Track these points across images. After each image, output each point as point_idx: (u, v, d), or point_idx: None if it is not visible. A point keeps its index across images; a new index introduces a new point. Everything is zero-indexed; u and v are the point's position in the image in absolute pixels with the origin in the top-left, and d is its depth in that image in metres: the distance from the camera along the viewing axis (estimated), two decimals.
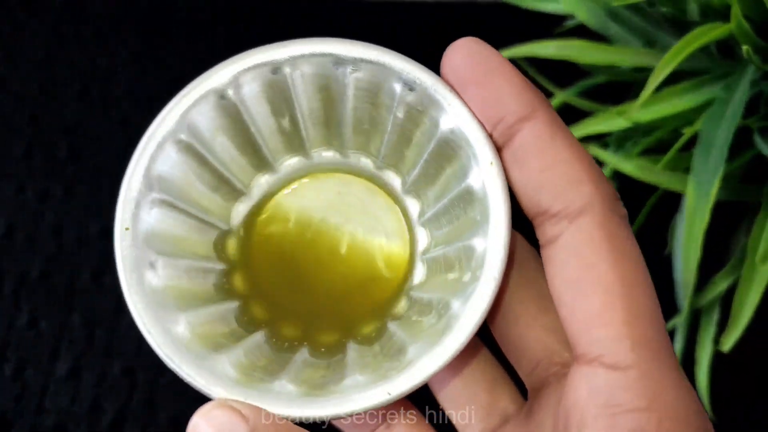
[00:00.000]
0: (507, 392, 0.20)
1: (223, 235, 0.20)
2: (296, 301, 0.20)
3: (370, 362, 0.18)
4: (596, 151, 0.32)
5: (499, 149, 0.17)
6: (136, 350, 0.35)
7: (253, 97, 0.19)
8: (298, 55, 0.19)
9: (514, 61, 0.43)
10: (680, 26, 0.35)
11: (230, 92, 0.19)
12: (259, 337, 0.19)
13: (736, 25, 0.29)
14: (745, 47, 0.29)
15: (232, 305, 0.20)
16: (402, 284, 0.20)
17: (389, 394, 0.16)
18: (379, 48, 0.19)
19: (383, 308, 0.20)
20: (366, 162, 0.21)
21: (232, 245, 0.20)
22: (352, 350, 0.19)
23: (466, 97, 0.17)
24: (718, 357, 0.36)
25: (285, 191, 0.21)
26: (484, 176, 0.17)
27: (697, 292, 0.34)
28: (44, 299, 0.36)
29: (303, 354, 0.19)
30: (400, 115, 0.19)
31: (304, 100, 0.19)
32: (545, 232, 0.17)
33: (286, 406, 0.16)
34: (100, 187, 0.39)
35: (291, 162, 0.21)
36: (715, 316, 0.33)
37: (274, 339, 0.19)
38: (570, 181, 0.16)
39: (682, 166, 0.33)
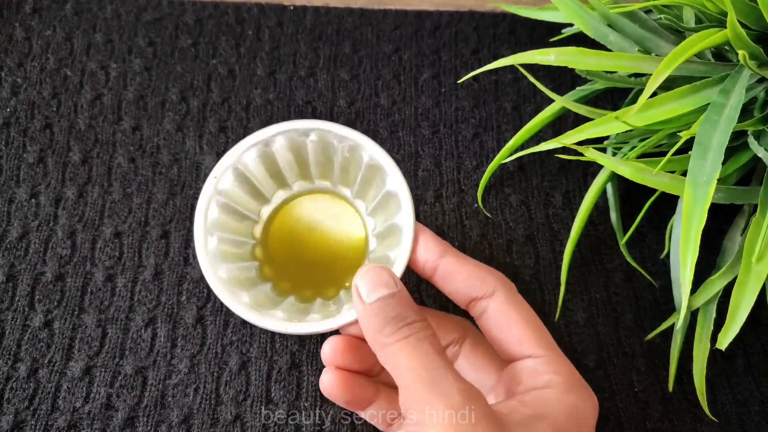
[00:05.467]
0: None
1: (254, 223, 0.33)
2: (290, 268, 0.33)
3: (324, 310, 0.30)
4: (594, 154, 0.33)
5: (431, 275, 0.30)
6: (147, 350, 0.36)
7: (282, 147, 0.33)
8: (312, 127, 0.32)
9: (514, 68, 0.44)
10: (676, 33, 0.36)
11: (269, 144, 0.32)
12: (267, 287, 0.32)
13: (732, 31, 0.29)
14: (741, 52, 0.29)
15: (254, 264, 0.32)
16: (356, 265, 0.32)
17: (327, 326, 0.28)
18: (359, 133, 0.32)
19: (341, 279, 0.32)
20: (346, 191, 0.34)
21: (257, 230, 0.33)
22: (318, 303, 0.31)
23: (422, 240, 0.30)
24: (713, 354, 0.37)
25: (292, 202, 0.34)
26: (396, 183, 0.31)
27: (694, 292, 0.34)
28: (58, 301, 0.37)
29: (290, 300, 0.31)
30: (365, 169, 0.32)
31: (311, 151, 0.33)
32: (477, 309, 0.30)
33: (276, 325, 0.29)
34: (113, 191, 0.40)
35: (300, 183, 0.34)
36: (712, 315, 0.34)
37: (276, 289, 0.32)
38: (481, 279, 0.29)
39: (679, 168, 0.34)
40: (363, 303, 0.27)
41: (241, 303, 0.29)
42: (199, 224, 0.30)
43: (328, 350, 0.29)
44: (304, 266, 0.32)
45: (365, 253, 0.33)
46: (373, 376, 0.31)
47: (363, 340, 0.30)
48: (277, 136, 0.32)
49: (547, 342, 0.29)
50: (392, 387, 0.31)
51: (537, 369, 0.28)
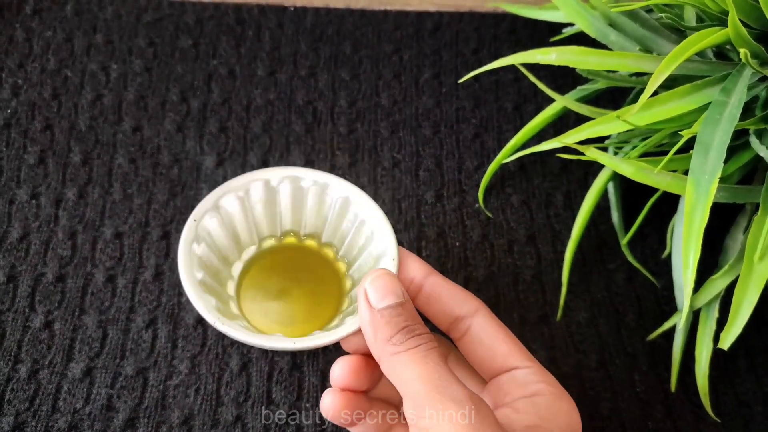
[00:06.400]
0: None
1: (227, 279, 0.32)
2: (273, 326, 0.31)
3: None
4: (596, 154, 0.33)
5: (414, 296, 0.30)
6: (148, 351, 0.36)
7: (255, 197, 0.32)
8: (286, 176, 0.32)
9: (515, 68, 0.44)
10: (677, 32, 0.36)
11: (242, 193, 0.32)
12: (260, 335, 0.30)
13: (733, 29, 0.29)
14: (742, 51, 0.29)
15: (240, 324, 0.30)
16: (337, 308, 0.32)
17: (335, 336, 0.28)
18: (324, 173, 0.32)
19: (326, 323, 0.31)
20: (312, 242, 0.34)
21: (230, 287, 0.32)
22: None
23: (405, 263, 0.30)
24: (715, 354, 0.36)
25: (261, 261, 0.33)
26: (365, 208, 0.31)
27: (696, 292, 0.34)
28: (58, 302, 0.37)
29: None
30: (336, 210, 0.33)
31: (284, 199, 0.33)
32: (459, 329, 0.30)
33: (284, 344, 0.28)
34: (113, 191, 0.40)
35: (268, 241, 0.33)
36: (714, 315, 0.34)
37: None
38: (465, 298, 0.30)
39: (681, 168, 0.33)
40: (371, 309, 0.27)
41: (240, 328, 0.28)
42: (185, 264, 0.29)
43: (338, 372, 0.29)
44: (286, 322, 0.32)
45: (344, 294, 0.32)
46: (368, 392, 0.31)
47: (369, 356, 0.29)
48: (251, 184, 0.32)
49: (530, 356, 0.29)
50: (383, 401, 0.31)
51: (526, 378, 0.28)
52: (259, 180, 0.32)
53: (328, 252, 0.33)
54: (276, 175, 0.32)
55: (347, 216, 0.32)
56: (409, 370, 0.25)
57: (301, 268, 0.33)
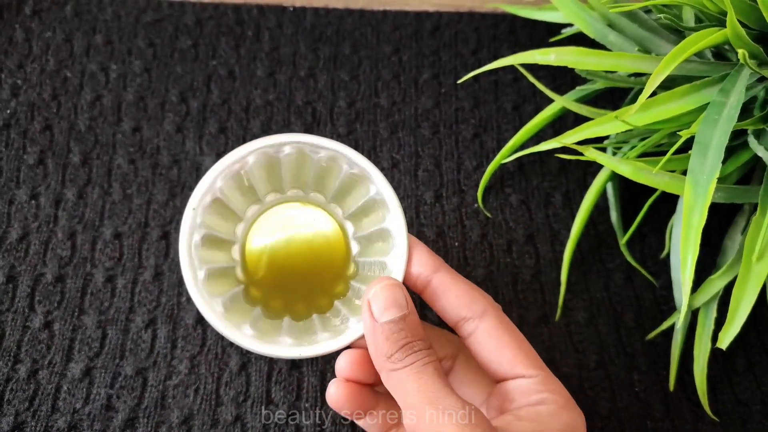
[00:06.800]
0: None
1: (231, 244, 0.31)
2: (277, 284, 0.31)
3: (329, 327, 0.30)
4: (594, 154, 0.33)
5: (422, 290, 0.30)
6: (148, 351, 0.36)
7: (254, 165, 0.30)
8: (287, 141, 0.30)
9: (514, 68, 0.44)
10: (676, 33, 0.36)
11: (240, 164, 0.30)
12: (257, 311, 0.30)
13: (731, 30, 0.29)
14: (741, 51, 0.29)
15: (239, 288, 0.30)
16: (342, 270, 0.31)
17: (340, 343, 0.28)
18: (338, 143, 0.30)
19: (331, 287, 0.31)
20: (319, 197, 0.32)
21: (235, 251, 0.31)
22: (317, 319, 0.30)
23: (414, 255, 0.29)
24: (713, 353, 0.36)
25: (265, 215, 0.32)
26: (383, 189, 0.29)
27: (695, 292, 0.34)
28: (58, 302, 0.37)
29: (287, 321, 0.30)
30: (345, 178, 0.31)
31: (286, 165, 0.31)
32: (466, 329, 0.29)
33: (289, 352, 0.28)
34: (112, 192, 0.40)
35: (270, 196, 0.32)
36: (712, 315, 0.34)
37: (269, 311, 0.30)
38: (472, 299, 0.29)
39: (679, 168, 0.34)
40: (374, 322, 0.27)
41: (246, 336, 0.28)
42: (185, 256, 0.28)
43: (343, 364, 0.30)
44: (288, 279, 0.31)
45: (349, 257, 0.32)
46: (375, 386, 0.31)
47: None
48: (249, 155, 0.30)
49: (538, 363, 0.29)
50: (390, 396, 0.31)
51: (531, 388, 0.28)
52: (254, 152, 0.30)
53: (335, 209, 0.32)
54: (275, 141, 0.30)
55: (357, 189, 0.31)
56: (406, 384, 0.26)
57: (304, 222, 0.32)
